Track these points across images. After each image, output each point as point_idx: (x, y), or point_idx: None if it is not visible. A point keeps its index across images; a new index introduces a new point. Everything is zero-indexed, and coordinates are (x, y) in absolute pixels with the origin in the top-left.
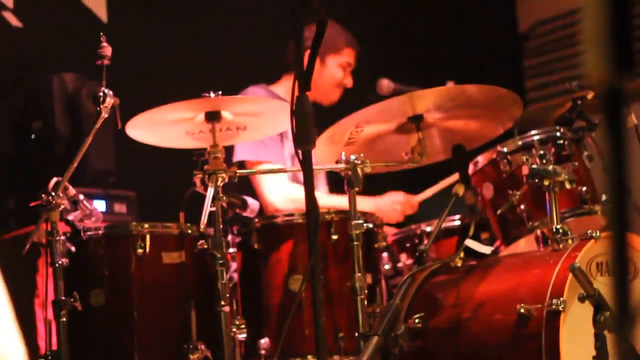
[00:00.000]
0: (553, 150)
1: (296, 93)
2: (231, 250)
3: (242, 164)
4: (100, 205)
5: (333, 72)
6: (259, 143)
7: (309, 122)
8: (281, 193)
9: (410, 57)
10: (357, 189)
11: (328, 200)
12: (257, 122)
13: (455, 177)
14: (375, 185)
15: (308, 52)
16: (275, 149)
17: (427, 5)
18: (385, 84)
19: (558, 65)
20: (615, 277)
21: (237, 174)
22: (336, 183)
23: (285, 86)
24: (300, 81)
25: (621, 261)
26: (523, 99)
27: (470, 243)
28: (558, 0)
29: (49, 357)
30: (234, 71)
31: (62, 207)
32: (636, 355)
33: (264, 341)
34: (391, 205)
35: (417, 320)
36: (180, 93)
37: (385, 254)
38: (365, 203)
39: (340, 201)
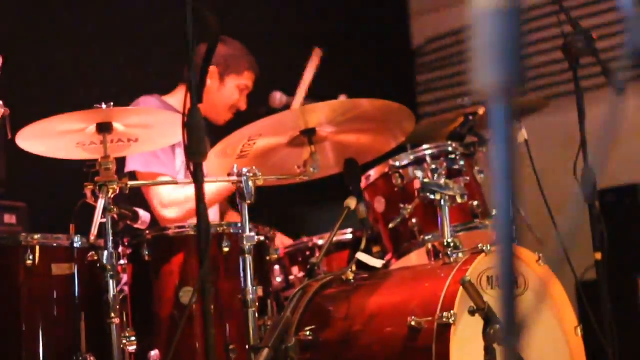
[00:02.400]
0: (445, 164)
1: (188, 105)
2: (122, 262)
3: (133, 175)
4: None
5: (231, 92)
6: (151, 154)
7: (201, 134)
8: (170, 202)
9: (302, 71)
10: (248, 202)
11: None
12: (149, 134)
13: None
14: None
15: (213, 67)
16: (167, 160)
17: (321, 19)
18: (278, 97)
19: (450, 81)
20: (503, 290)
21: (129, 186)
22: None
23: (179, 97)
24: (192, 93)
25: (508, 275)
26: (415, 114)
27: (361, 256)
28: (451, 17)
29: None
30: (127, 81)
31: None
32: None
33: (154, 353)
34: None
35: (307, 333)
36: (72, 104)
37: (277, 267)
38: None
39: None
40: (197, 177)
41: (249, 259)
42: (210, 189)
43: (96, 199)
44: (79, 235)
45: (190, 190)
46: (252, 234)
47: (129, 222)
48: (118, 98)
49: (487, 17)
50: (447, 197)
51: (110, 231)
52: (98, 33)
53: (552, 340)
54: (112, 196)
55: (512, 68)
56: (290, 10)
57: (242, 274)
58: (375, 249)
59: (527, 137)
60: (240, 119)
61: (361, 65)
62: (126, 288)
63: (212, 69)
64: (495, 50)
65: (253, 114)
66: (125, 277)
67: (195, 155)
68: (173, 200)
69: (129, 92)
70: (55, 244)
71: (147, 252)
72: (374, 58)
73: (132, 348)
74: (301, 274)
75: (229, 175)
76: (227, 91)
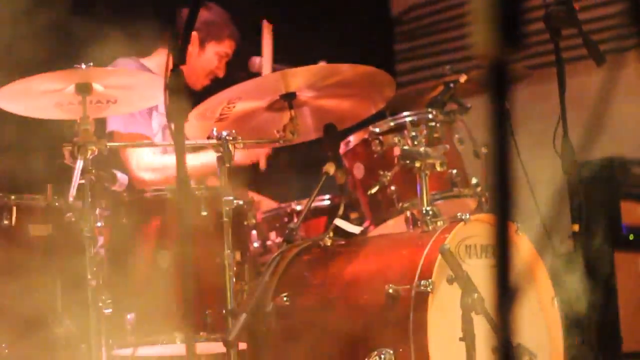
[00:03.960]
0: (425, 132)
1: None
2: (99, 224)
3: (111, 135)
4: None
5: (210, 59)
6: (129, 115)
7: (182, 96)
8: (148, 166)
9: (282, 36)
10: (227, 165)
11: (194, 159)
12: (128, 95)
13: None
14: None
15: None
16: (144, 122)
17: None
18: (257, 61)
19: (429, 50)
20: (496, 258)
21: (108, 147)
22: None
23: (156, 60)
24: (174, 55)
25: (502, 243)
26: (395, 82)
27: (339, 222)
28: None
29: None
30: (104, 43)
31: None
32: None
33: (131, 316)
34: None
35: (284, 299)
36: (50, 64)
37: (254, 232)
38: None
39: (207, 157)
40: (178, 139)
41: (226, 222)
42: (194, 164)
43: (74, 159)
44: (56, 196)
45: (170, 158)
46: (231, 197)
47: (106, 184)
48: (96, 60)
49: None
50: (426, 165)
51: (89, 192)
52: None
53: (528, 311)
54: (91, 157)
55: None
56: None
57: (221, 238)
58: (354, 216)
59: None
60: (219, 82)
61: (341, 32)
62: (102, 250)
63: (193, 34)
64: (493, 9)
65: (232, 77)
66: (101, 239)
67: (176, 117)
68: (150, 164)
69: (107, 54)
70: (32, 205)
71: (124, 215)
72: (354, 25)
73: (107, 310)
74: (279, 239)
75: (208, 138)
76: (206, 57)
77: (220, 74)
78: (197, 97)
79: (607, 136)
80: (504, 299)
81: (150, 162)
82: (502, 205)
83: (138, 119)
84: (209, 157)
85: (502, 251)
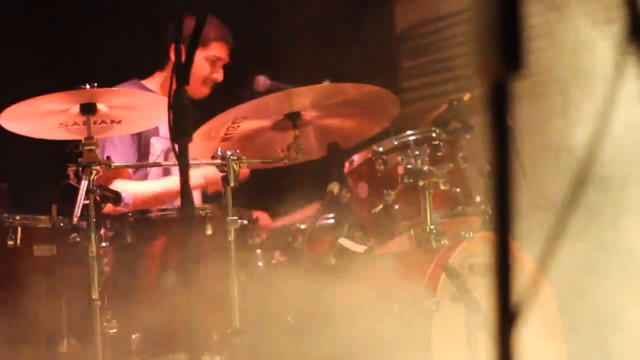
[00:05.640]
0: (428, 150)
1: (174, 87)
2: (104, 244)
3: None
4: None
5: (200, 66)
6: (107, 140)
7: (187, 115)
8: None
9: (287, 56)
10: (232, 185)
11: (154, 185)
12: (132, 116)
13: None
14: None
15: (182, 47)
16: (123, 149)
17: (306, 3)
18: (262, 80)
19: (434, 67)
20: (497, 277)
21: (112, 167)
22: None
23: (156, 81)
24: (178, 74)
25: (503, 262)
26: (399, 100)
27: (344, 242)
28: (435, 3)
29: None
30: (106, 65)
31: None
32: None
33: (135, 336)
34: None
35: (289, 319)
36: (55, 85)
37: (259, 251)
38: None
39: (167, 183)
40: (183, 159)
41: (231, 242)
42: (154, 189)
43: (79, 180)
44: (61, 217)
45: (140, 185)
46: (235, 217)
47: (111, 204)
48: (98, 81)
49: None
50: (430, 184)
51: (93, 213)
52: (79, 16)
53: (533, 331)
54: (95, 178)
55: (509, 50)
56: None
57: (227, 258)
58: (358, 235)
59: (511, 122)
60: (224, 102)
61: (345, 50)
62: (107, 270)
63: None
64: (493, 31)
65: (237, 97)
66: (106, 260)
67: (181, 137)
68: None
69: (108, 77)
70: (37, 225)
71: (129, 235)
72: (358, 43)
73: (113, 330)
74: (283, 258)
75: (212, 158)
76: (195, 65)
77: (219, 78)
78: (205, 115)
79: None
80: (504, 319)
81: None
82: (502, 223)
83: (117, 145)
84: (169, 183)
85: (502, 271)
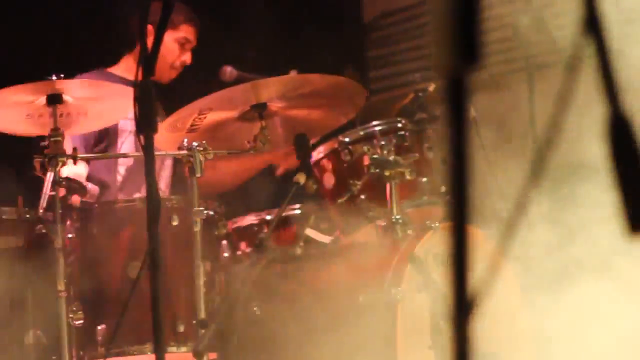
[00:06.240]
0: (394, 141)
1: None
2: (69, 235)
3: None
4: None
5: (170, 48)
6: None
7: (152, 107)
8: None
9: (253, 46)
10: (198, 175)
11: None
12: (98, 108)
13: None
14: None
15: (150, 27)
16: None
17: None
18: (229, 71)
19: (401, 57)
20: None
21: (79, 158)
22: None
23: (124, 67)
24: (143, 66)
25: (460, 252)
26: (366, 89)
27: (310, 232)
28: None
29: None
30: (71, 54)
31: None
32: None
33: (101, 328)
34: None
35: (255, 309)
36: (21, 76)
37: (224, 242)
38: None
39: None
40: (148, 150)
41: (197, 233)
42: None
43: (45, 171)
44: (27, 208)
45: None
46: (201, 208)
47: (77, 195)
48: (62, 72)
49: None
50: (396, 174)
51: (59, 204)
52: (48, 2)
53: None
54: (61, 169)
55: (466, 44)
56: None
57: (192, 249)
58: (324, 225)
59: (475, 114)
60: (191, 93)
61: (312, 40)
62: (73, 262)
63: (149, 28)
64: (450, 25)
65: (204, 87)
66: (72, 251)
67: (146, 129)
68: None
69: (74, 66)
70: (2, 216)
71: (95, 226)
72: (326, 33)
73: (78, 322)
74: (249, 249)
75: (179, 149)
76: (165, 47)
77: (188, 60)
78: (172, 106)
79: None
80: (461, 307)
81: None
82: (459, 212)
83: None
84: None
85: (458, 259)
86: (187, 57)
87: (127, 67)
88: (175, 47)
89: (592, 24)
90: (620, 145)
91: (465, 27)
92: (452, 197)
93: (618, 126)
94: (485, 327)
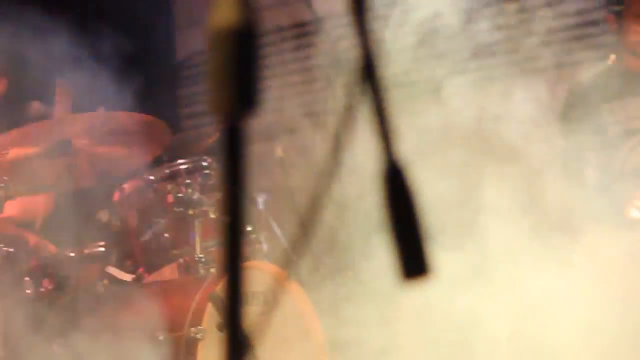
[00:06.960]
0: (199, 179)
1: None
2: None
3: None
4: None
5: None
6: None
7: None
8: None
9: (66, 82)
10: None
11: None
12: None
13: None
14: None
15: None
16: None
17: (85, 30)
18: (36, 106)
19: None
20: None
21: None
22: None
23: None
24: None
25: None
26: (178, 126)
27: (111, 270)
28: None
29: None
30: None
31: None
32: None
33: None
34: None
35: (55, 347)
36: None
37: (27, 278)
38: None
39: None
40: None
41: None
42: None
43: None
44: None
45: None
46: (1, 244)
47: None
48: None
49: (221, 37)
50: (200, 212)
51: None
52: None
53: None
54: None
55: (244, 90)
56: (54, 18)
57: None
58: (128, 263)
59: (282, 154)
60: None
61: (125, 77)
62: None
63: None
64: (227, 71)
65: (8, 122)
66: None
67: None
68: None
69: None
70: None
71: None
72: (139, 70)
73: None
74: (52, 286)
75: None
76: None
77: None
78: None
79: None
80: (235, 347)
81: None
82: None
83: None
84: None
85: (231, 303)
86: None
87: None
88: None
89: (369, 73)
90: (394, 193)
91: (243, 74)
92: (225, 232)
93: (392, 174)
94: None
